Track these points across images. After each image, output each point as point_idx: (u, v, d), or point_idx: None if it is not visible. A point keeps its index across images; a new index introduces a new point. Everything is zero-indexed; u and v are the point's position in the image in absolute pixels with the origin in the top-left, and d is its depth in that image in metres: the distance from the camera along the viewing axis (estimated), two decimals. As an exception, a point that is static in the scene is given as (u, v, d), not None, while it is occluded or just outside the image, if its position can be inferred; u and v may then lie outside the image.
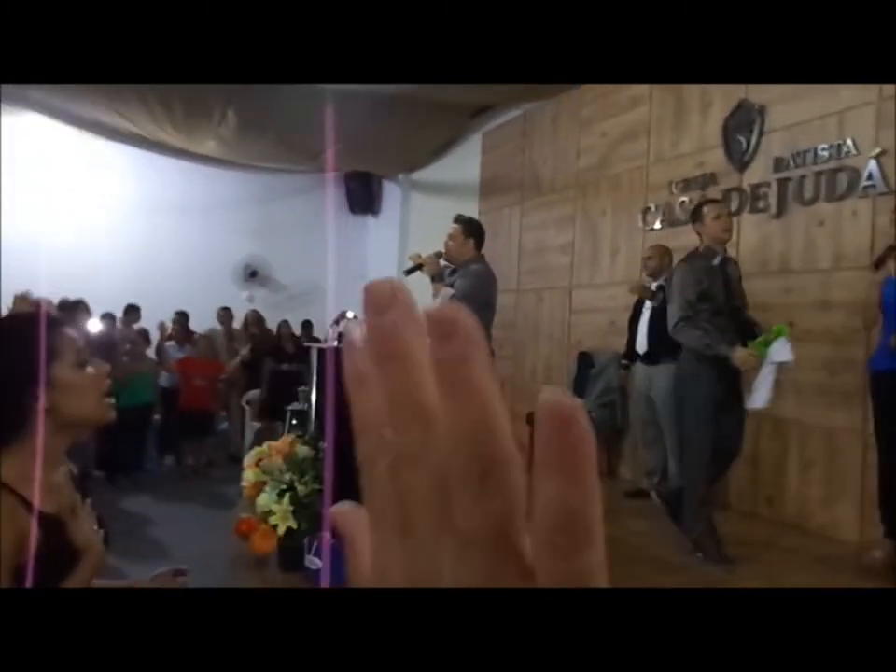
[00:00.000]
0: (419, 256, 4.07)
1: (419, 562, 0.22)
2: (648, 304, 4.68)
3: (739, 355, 3.41)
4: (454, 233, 3.84)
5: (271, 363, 6.70)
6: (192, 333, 6.94)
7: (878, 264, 3.45)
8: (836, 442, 4.00)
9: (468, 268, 3.77)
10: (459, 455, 0.21)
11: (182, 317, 7.45)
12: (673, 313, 3.58)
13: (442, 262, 3.92)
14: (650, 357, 4.53)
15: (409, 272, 3.97)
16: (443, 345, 0.21)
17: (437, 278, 3.79)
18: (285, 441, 3.52)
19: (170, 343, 6.75)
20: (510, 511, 0.21)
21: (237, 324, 7.94)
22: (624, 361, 4.98)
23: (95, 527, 1.24)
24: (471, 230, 3.86)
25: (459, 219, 3.93)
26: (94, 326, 5.93)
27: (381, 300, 0.23)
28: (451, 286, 3.72)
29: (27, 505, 1.08)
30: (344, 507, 0.27)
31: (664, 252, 4.76)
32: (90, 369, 1.18)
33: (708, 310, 3.50)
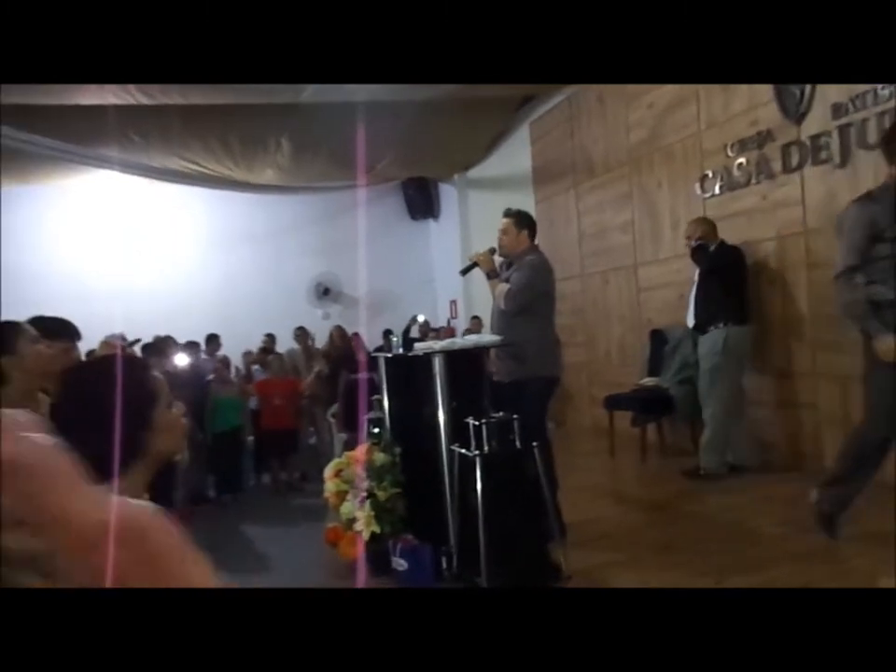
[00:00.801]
0: (476, 254, 4.10)
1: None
2: (697, 274, 4.74)
3: (883, 346, 2.91)
4: (506, 227, 3.81)
5: (346, 374, 6.88)
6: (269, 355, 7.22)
7: None
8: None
9: (522, 260, 3.75)
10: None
11: (270, 340, 7.77)
12: (838, 260, 3.14)
13: (498, 258, 3.93)
14: (697, 328, 4.70)
15: (465, 271, 4.06)
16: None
17: (492, 274, 3.79)
18: (361, 449, 3.64)
19: (255, 367, 7.06)
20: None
21: (320, 342, 8.19)
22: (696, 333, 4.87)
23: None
24: (522, 221, 3.82)
25: (509, 213, 3.89)
26: (181, 359, 6.28)
27: None
28: (507, 280, 3.72)
29: None
30: None
31: (705, 223, 4.77)
32: (175, 409, 1.29)
33: (890, 257, 2.90)
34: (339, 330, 8.19)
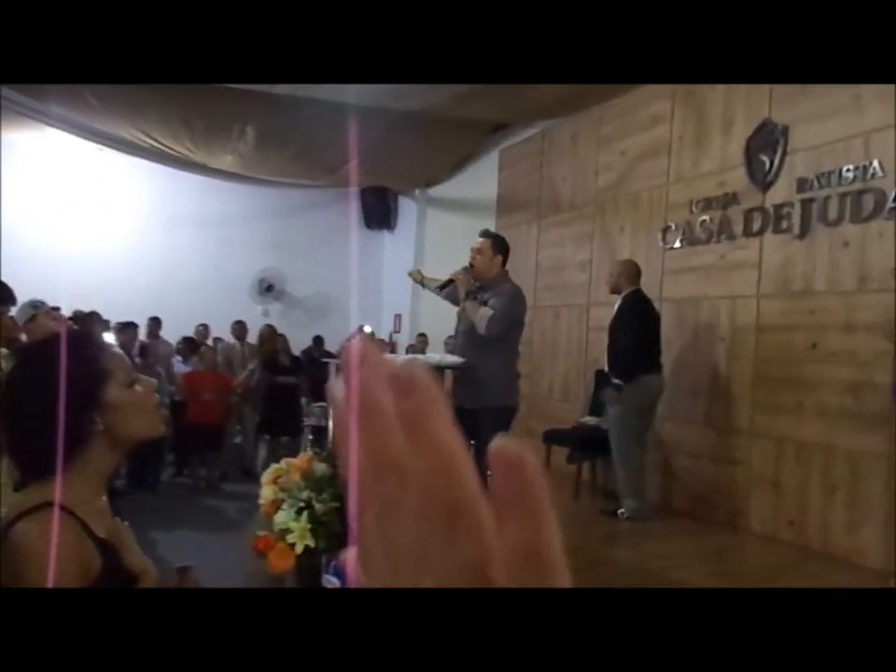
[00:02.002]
0: (419, 272, 4.19)
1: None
2: (611, 320, 4.82)
3: None
4: (482, 248, 3.70)
5: (267, 376, 6.67)
6: (199, 346, 6.95)
7: None
8: (861, 467, 3.94)
9: (500, 287, 3.67)
10: (429, 505, 0.22)
11: (204, 330, 7.48)
12: None
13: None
14: (608, 374, 4.79)
15: (443, 286, 3.87)
16: (404, 401, 0.23)
17: (471, 295, 3.66)
18: (303, 458, 3.49)
19: (176, 359, 6.75)
20: (479, 556, 0.22)
21: (252, 338, 7.95)
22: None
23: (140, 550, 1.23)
24: (499, 245, 3.76)
25: (487, 234, 3.81)
26: (108, 338, 5.96)
27: (353, 359, 0.24)
28: (484, 304, 3.60)
29: (87, 530, 1.06)
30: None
31: (624, 267, 4.81)
32: (138, 387, 1.17)
33: None
34: (269, 329, 7.97)
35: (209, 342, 7.54)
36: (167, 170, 8.30)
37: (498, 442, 0.23)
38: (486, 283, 3.69)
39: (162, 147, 7.49)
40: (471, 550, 0.22)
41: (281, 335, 7.92)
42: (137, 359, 5.62)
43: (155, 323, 7.18)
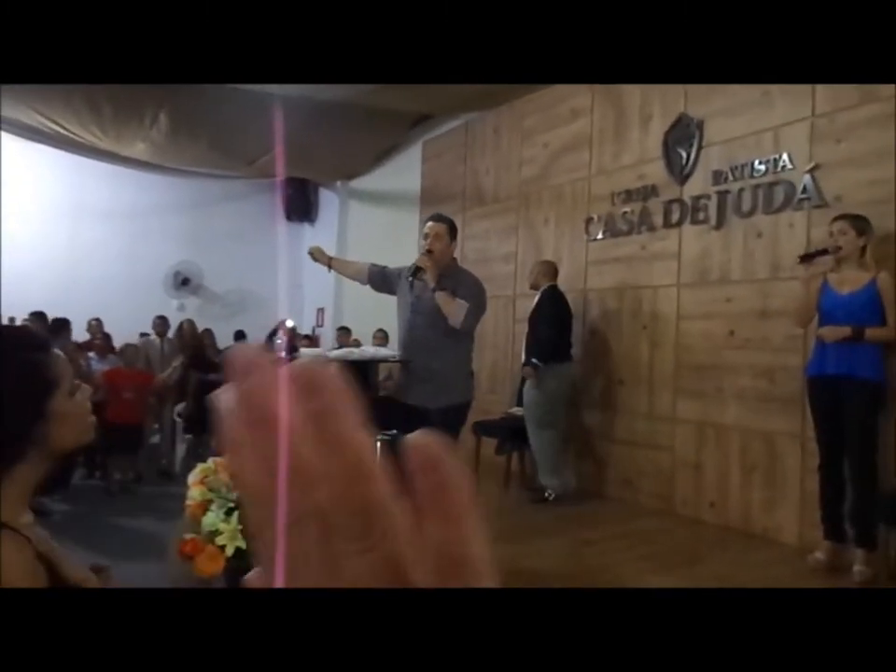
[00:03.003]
0: (319, 250, 3.76)
1: None
2: (530, 312, 5.11)
3: None
4: (439, 233, 3.40)
5: (196, 374, 6.45)
6: (111, 344, 6.62)
7: (804, 259, 3.58)
8: (776, 447, 4.12)
9: (459, 275, 3.47)
10: (339, 509, 0.21)
11: (98, 325, 7.11)
12: None
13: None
14: (525, 363, 5.02)
15: (414, 275, 3.44)
16: (309, 402, 0.22)
17: (440, 286, 3.31)
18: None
19: (90, 354, 6.40)
20: (395, 557, 0.21)
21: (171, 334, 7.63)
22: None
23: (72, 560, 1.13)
24: (453, 230, 3.50)
25: (441, 218, 3.52)
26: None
27: (243, 364, 0.23)
28: (451, 293, 3.31)
29: (28, 542, 0.97)
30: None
31: (542, 267, 5.20)
32: (78, 394, 1.08)
33: None
34: (189, 325, 7.68)
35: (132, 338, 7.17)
36: (73, 157, 7.85)
37: (415, 438, 0.22)
38: (443, 271, 3.39)
39: (67, 133, 7.07)
40: (386, 551, 0.21)
41: (207, 330, 7.64)
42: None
43: (39, 320, 6.73)
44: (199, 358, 6.99)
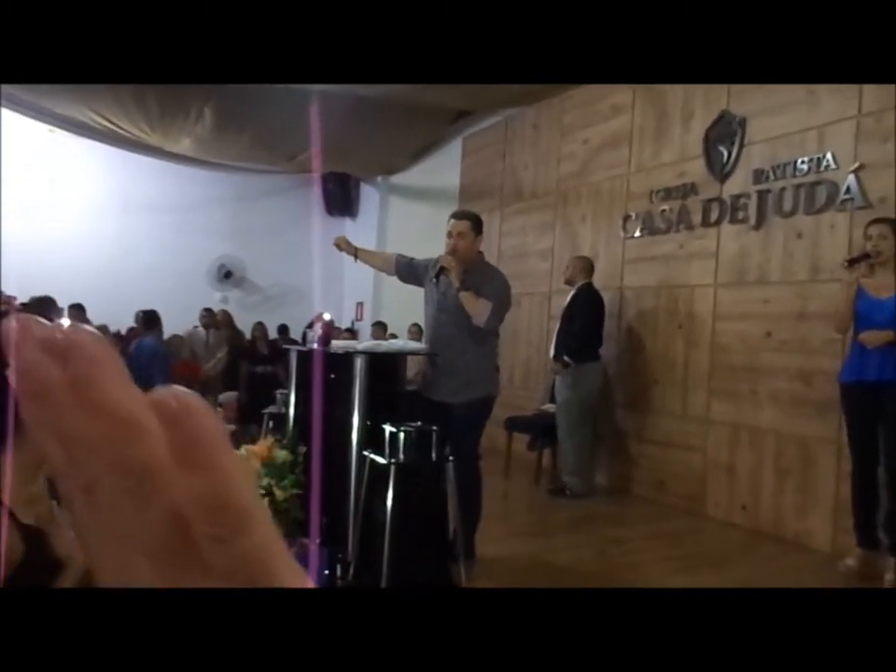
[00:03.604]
0: (345, 240, 3.77)
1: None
2: (564, 308, 5.14)
3: None
4: (463, 230, 3.39)
5: (246, 366, 6.61)
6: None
7: (852, 262, 3.47)
8: (811, 452, 4.05)
9: (485, 272, 3.47)
10: (114, 472, 0.21)
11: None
12: None
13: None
14: (555, 359, 5.08)
15: (437, 276, 3.45)
16: (66, 370, 0.21)
17: (463, 286, 3.31)
18: (263, 445, 3.45)
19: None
20: (173, 514, 0.21)
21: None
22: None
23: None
24: (479, 226, 3.47)
25: (466, 215, 3.52)
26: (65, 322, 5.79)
27: (9, 339, 0.22)
28: (469, 290, 3.32)
29: (13, 517, 1.04)
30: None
31: (579, 262, 5.20)
32: None
33: None
34: (224, 315, 7.86)
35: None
36: (122, 153, 8.09)
37: (158, 393, 0.21)
38: (468, 267, 3.40)
39: (116, 129, 7.30)
40: (163, 510, 0.21)
41: (260, 323, 7.82)
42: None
43: (78, 310, 6.97)
44: (250, 351, 7.16)
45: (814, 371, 4.05)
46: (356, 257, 3.74)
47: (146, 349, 5.88)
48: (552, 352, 5.17)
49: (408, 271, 3.68)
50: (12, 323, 0.22)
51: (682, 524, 4.47)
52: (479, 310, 3.29)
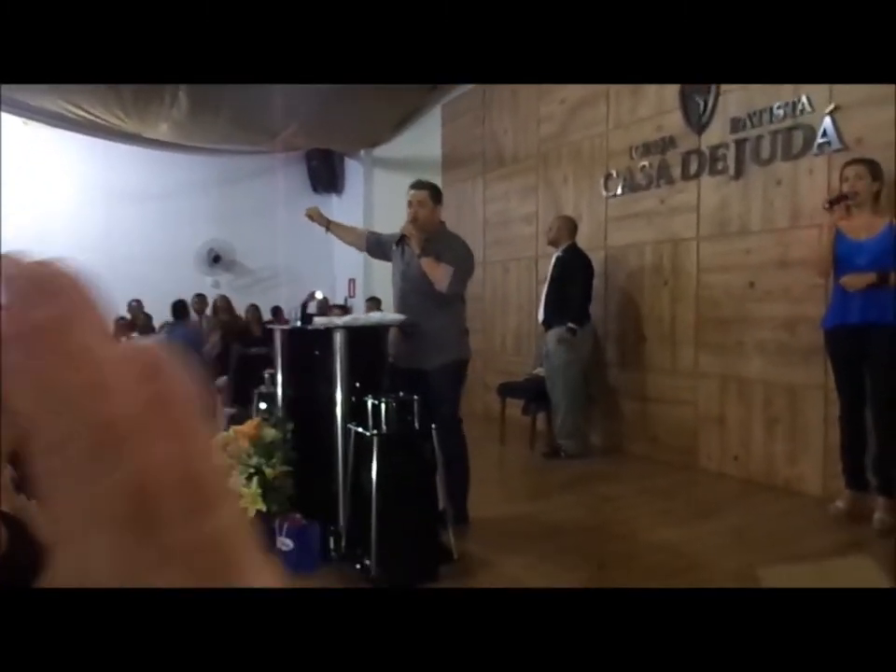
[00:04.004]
0: (317, 210, 3.76)
1: (122, 564, 0.20)
2: (549, 271, 5.13)
3: None
4: (422, 200, 3.47)
5: (239, 348, 6.63)
6: (152, 324, 6.85)
7: (832, 203, 3.42)
8: (799, 399, 4.07)
9: (446, 239, 3.54)
10: (85, 431, 0.19)
11: (138, 306, 7.35)
12: None
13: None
14: (544, 324, 5.11)
15: (398, 243, 3.58)
16: (45, 309, 0.19)
17: (425, 252, 3.39)
18: (251, 424, 3.48)
19: (133, 335, 6.62)
20: (135, 476, 0.19)
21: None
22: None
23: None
24: (437, 195, 3.57)
25: (423, 185, 3.56)
26: None
27: None
28: (435, 258, 3.39)
29: None
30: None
31: (563, 223, 5.17)
32: None
33: None
34: (223, 300, 7.86)
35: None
36: (101, 143, 8.03)
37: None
38: (430, 236, 3.48)
39: (92, 118, 7.22)
40: (129, 476, 0.19)
41: (253, 305, 7.83)
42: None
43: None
44: (242, 333, 7.18)
45: (798, 319, 4.05)
46: (327, 228, 3.76)
47: (176, 338, 6.03)
48: (540, 316, 5.17)
49: (377, 246, 3.75)
50: None
51: (676, 478, 4.51)
52: (440, 275, 3.36)
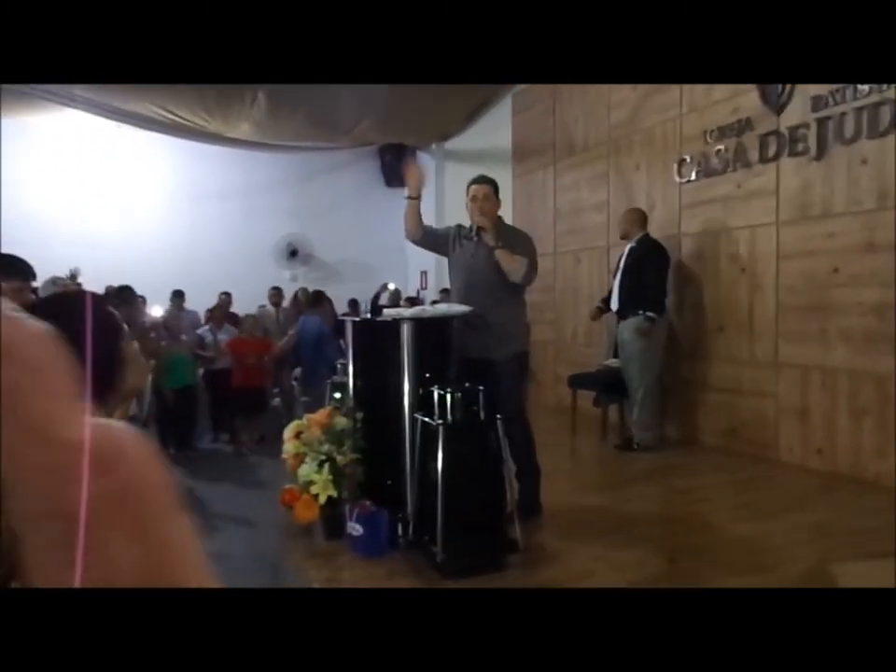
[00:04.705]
0: (420, 172, 3.64)
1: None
2: (623, 261, 5.05)
3: None
4: (487, 194, 3.51)
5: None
6: (235, 315, 7.10)
7: None
8: (888, 388, 3.87)
9: (510, 232, 3.58)
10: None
11: (226, 298, 7.63)
12: None
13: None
14: (619, 314, 5.03)
15: (476, 234, 3.46)
16: None
17: (499, 243, 3.40)
18: (323, 413, 3.59)
19: (204, 328, 6.88)
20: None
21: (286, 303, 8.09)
22: (600, 305, 5.39)
23: None
24: (497, 189, 3.61)
25: (485, 179, 3.59)
26: (156, 311, 6.22)
27: None
28: (506, 247, 3.38)
29: None
30: None
31: (632, 215, 5.12)
32: (134, 343, 1.27)
33: None
34: (304, 292, 8.07)
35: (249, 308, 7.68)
36: (187, 144, 8.39)
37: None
38: (492, 229, 3.47)
39: (178, 119, 7.56)
40: (96, 570, 0.19)
41: (329, 299, 8.04)
42: (162, 331, 5.79)
43: (179, 297, 7.38)
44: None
45: (887, 304, 3.84)
46: (416, 196, 3.56)
47: (311, 326, 6.30)
48: (614, 306, 5.10)
49: (431, 237, 3.71)
50: None
51: (755, 471, 4.37)
52: (515, 266, 3.39)
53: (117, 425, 0.17)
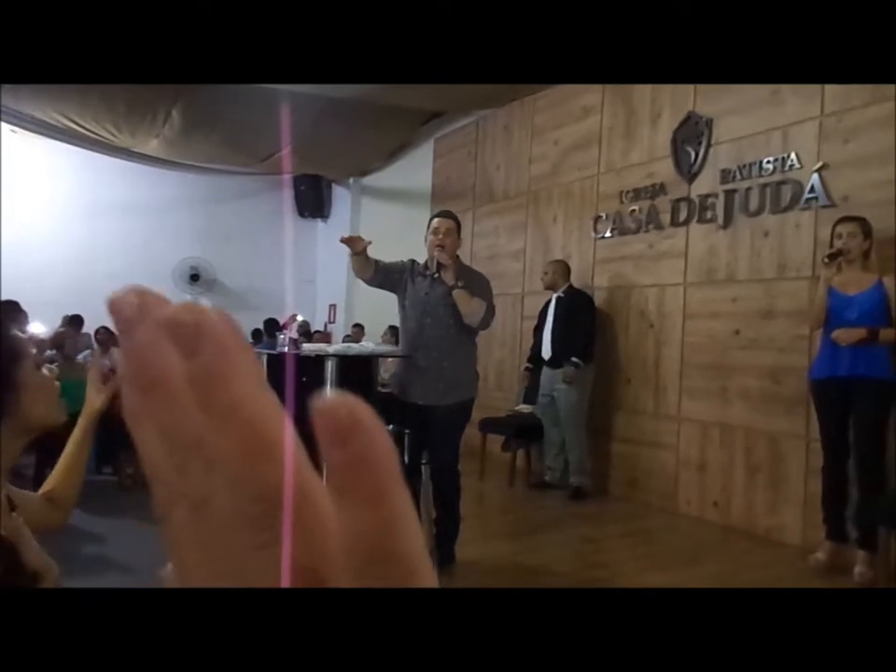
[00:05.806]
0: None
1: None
2: (551, 312, 5.14)
3: None
4: (451, 228, 3.29)
5: None
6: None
7: (832, 257, 3.42)
8: (780, 448, 4.11)
9: (468, 273, 3.38)
10: (238, 494, 0.18)
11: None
12: None
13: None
14: (551, 362, 5.07)
15: (436, 273, 3.27)
16: (191, 360, 0.18)
17: (458, 284, 3.19)
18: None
19: (85, 352, 6.45)
20: (307, 552, 0.18)
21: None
22: (528, 365, 5.38)
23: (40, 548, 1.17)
24: (460, 227, 3.41)
25: (451, 215, 3.41)
26: (37, 327, 5.74)
27: (125, 315, 0.19)
28: (465, 288, 3.20)
29: None
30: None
31: (557, 267, 5.23)
32: (45, 370, 1.14)
33: None
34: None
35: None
36: (89, 154, 7.96)
37: (325, 401, 0.17)
38: (451, 268, 3.26)
39: (82, 130, 7.17)
40: (297, 546, 0.18)
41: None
42: (52, 351, 5.38)
43: (77, 322, 6.93)
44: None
45: (782, 369, 4.11)
46: (359, 252, 3.31)
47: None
48: (546, 355, 5.10)
49: (385, 275, 3.43)
50: (130, 296, 0.19)
51: (655, 522, 4.51)
52: (473, 308, 3.19)
53: (349, 396, 0.17)
